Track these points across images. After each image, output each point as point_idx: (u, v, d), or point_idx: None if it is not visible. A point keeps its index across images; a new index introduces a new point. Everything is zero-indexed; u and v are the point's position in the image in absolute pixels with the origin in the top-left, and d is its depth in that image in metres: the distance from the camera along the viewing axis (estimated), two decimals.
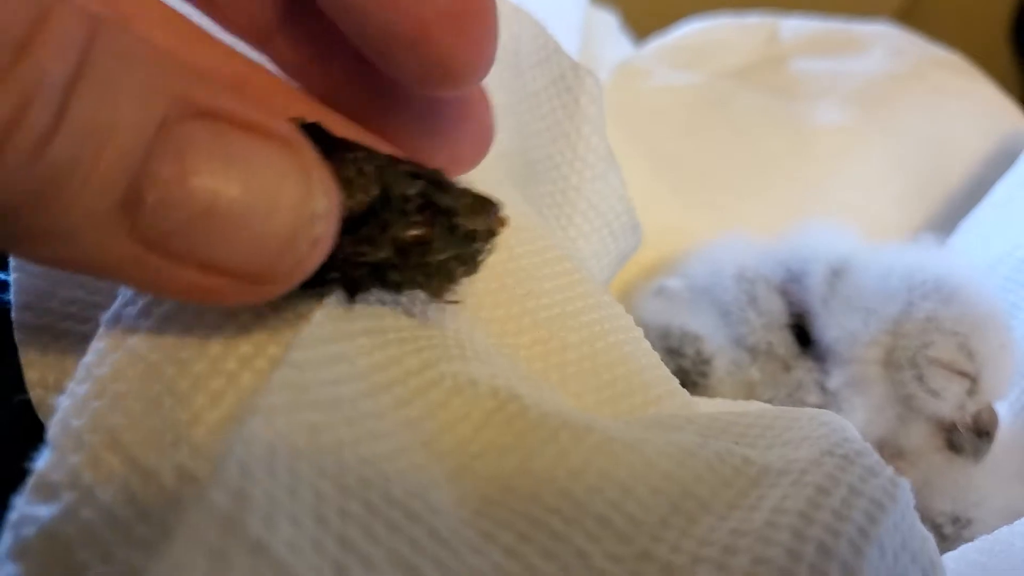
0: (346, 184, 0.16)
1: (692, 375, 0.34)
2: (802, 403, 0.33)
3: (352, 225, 0.16)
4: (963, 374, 0.32)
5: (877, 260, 0.34)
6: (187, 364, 0.16)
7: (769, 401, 0.33)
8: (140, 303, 0.17)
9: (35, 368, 0.17)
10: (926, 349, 0.32)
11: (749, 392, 0.33)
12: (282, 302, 0.16)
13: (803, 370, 0.34)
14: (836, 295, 0.34)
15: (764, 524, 0.14)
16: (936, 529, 0.32)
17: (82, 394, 0.16)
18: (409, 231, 0.16)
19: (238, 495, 0.12)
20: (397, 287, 0.17)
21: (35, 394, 0.17)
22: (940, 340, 0.32)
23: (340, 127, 0.17)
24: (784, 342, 0.34)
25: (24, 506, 0.14)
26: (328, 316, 0.17)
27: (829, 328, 0.34)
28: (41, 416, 0.17)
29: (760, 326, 0.34)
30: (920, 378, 0.32)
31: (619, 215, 0.29)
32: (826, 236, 0.36)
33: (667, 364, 0.33)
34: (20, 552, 0.14)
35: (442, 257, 0.17)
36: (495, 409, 0.16)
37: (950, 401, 0.31)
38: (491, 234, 0.17)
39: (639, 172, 0.41)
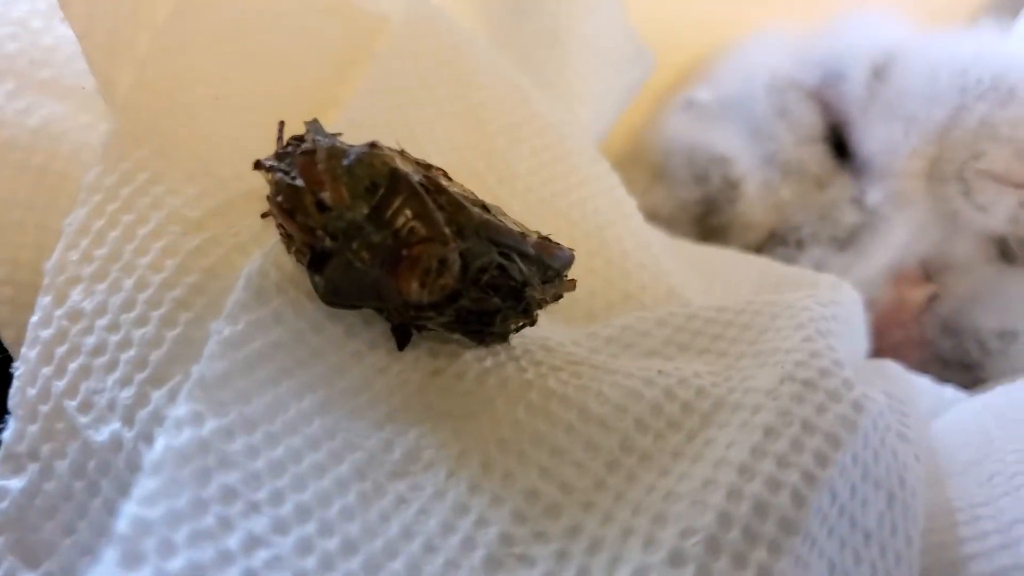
0: (424, 274, 0.15)
1: (720, 201, 0.32)
2: (837, 224, 0.31)
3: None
4: (1018, 185, 0.29)
5: (925, 56, 0.30)
6: (119, 324, 0.16)
7: (800, 226, 0.31)
8: (82, 246, 0.17)
9: (10, 327, 0.18)
10: (975, 160, 0.29)
11: (779, 215, 0.31)
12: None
13: (838, 187, 0.31)
14: (877, 100, 0.31)
15: (702, 484, 0.14)
16: (981, 346, 0.31)
17: (32, 358, 0.16)
18: (477, 304, 0.16)
19: None
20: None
21: (14, 352, 0.17)
22: (993, 149, 0.29)
23: None
24: (817, 157, 0.32)
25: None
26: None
27: (868, 139, 0.31)
28: None
29: (791, 141, 0.32)
30: (967, 192, 0.29)
31: (619, 47, 0.27)
32: (869, 27, 0.32)
33: (694, 191, 0.32)
34: (1, 525, 0.15)
35: (504, 326, 0.16)
36: (435, 372, 0.16)
37: (1000, 216, 0.29)
38: (557, 299, 0.17)
39: None
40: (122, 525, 0.12)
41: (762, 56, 0.34)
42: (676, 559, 0.13)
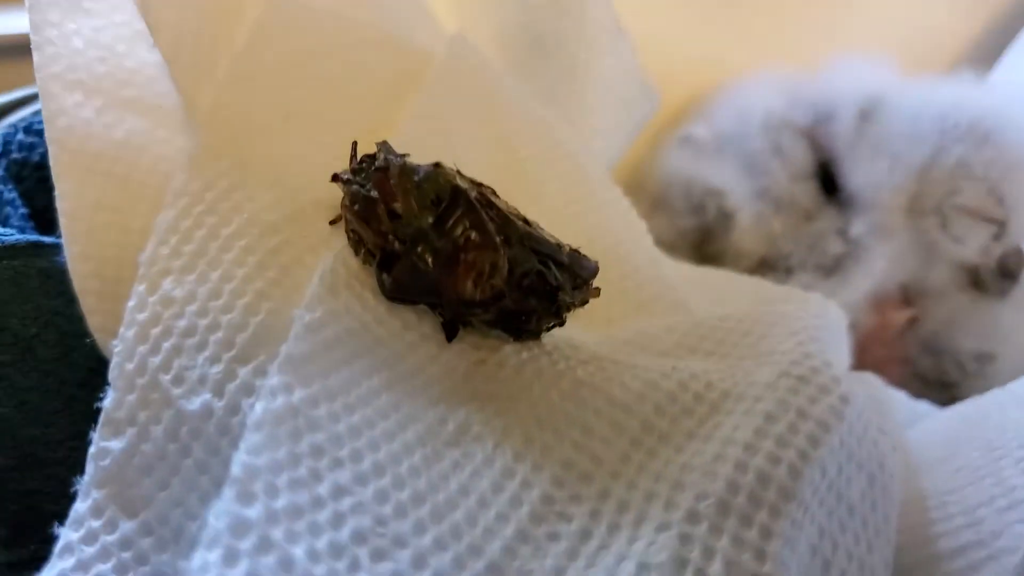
0: (478, 276, 0.17)
1: (715, 230, 0.35)
2: (823, 254, 0.33)
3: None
4: (990, 220, 0.32)
5: (909, 100, 0.33)
6: (207, 310, 0.18)
7: (789, 255, 0.34)
8: (172, 242, 0.19)
9: (96, 315, 0.20)
10: (952, 197, 0.32)
11: (770, 244, 0.34)
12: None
13: (825, 220, 0.34)
14: (864, 139, 0.34)
15: (713, 458, 0.16)
16: (960, 367, 0.33)
17: (129, 338, 0.18)
18: (517, 304, 0.18)
19: None
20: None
21: (99, 338, 0.20)
22: (968, 186, 0.32)
23: None
24: (807, 191, 0.35)
25: (99, 440, 0.17)
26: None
27: (854, 175, 0.34)
28: (106, 355, 0.19)
29: (784, 177, 0.35)
30: (944, 225, 0.32)
31: (630, 86, 0.29)
32: (858, 72, 0.35)
33: (691, 221, 0.35)
34: (101, 481, 0.17)
35: (538, 325, 0.19)
36: (479, 361, 0.18)
37: (974, 247, 0.32)
38: (584, 303, 0.19)
39: (668, 3, 0.40)
40: (236, 469, 0.14)
41: (757, 96, 0.37)
42: (692, 517, 0.15)
